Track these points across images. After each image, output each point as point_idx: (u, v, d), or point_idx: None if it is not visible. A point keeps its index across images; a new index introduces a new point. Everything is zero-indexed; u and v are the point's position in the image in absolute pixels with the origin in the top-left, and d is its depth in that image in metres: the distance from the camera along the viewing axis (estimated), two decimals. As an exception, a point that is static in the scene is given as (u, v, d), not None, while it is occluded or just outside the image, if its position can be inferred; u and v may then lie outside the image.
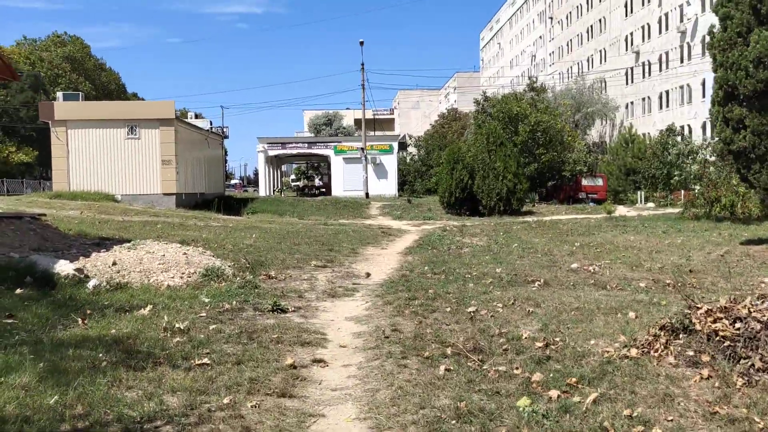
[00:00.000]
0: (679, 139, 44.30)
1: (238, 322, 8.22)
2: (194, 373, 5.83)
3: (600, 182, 42.77)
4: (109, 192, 27.50)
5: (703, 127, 49.51)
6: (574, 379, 5.63)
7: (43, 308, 8.01)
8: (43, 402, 4.91)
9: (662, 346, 6.37)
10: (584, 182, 42.12)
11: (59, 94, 32.07)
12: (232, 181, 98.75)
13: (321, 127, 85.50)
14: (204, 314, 8.53)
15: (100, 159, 27.82)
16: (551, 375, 5.84)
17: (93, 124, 27.75)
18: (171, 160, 27.56)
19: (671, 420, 4.90)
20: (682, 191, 37.33)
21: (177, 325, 7.57)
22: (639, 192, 45.93)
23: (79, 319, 7.66)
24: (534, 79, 46.26)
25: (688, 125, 51.30)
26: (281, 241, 17.61)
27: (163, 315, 8.25)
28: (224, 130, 47.99)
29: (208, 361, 6.19)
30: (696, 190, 25.52)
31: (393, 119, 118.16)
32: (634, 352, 6.39)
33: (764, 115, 13.90)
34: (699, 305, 6.71)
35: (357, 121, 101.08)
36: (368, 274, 12.74)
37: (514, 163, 31.68)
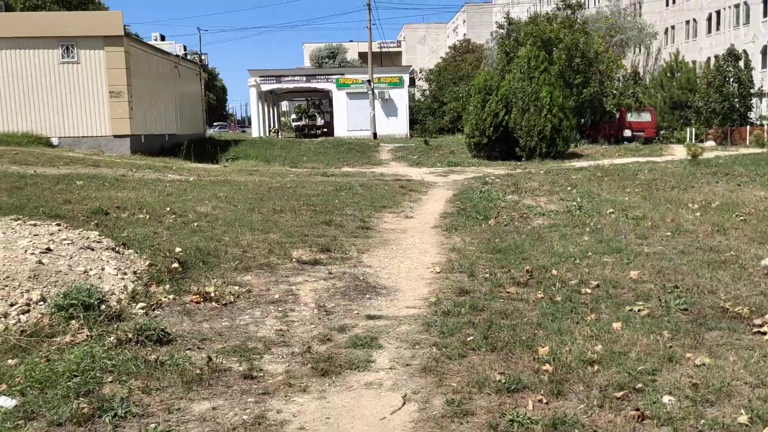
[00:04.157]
0: (741, 65, 37.57)
1: None
2: None
3: (648, 118, 36.36)
4: (43, 134, 21.26)
5: (763, 51, 42.70)
6: None
7: None
8: None
9: None
10: (629, 118, 35.74)
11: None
12: (224, 123, 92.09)
13: (323, 61, 78.39)
14: None
15: (26, 90, 21.33)
16: None
17: (13, 43, 21.03)
18: (122, 92, 21.18)
19: None
20: (766, 127, 30.98)
21: None
22: (689, 129, 39.70)
23: None
24: (569, -8, 39.19)
25: (744, 50, 44.40)
26: (255, 205, 11.81)
27: None
28: (202, 57, 40.89)
29: None
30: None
31: (400, 53, 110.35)
32: None
33: None
34: None
35: (361, 55, 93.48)
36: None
37: (560, 93, 25.42)
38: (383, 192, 14.78)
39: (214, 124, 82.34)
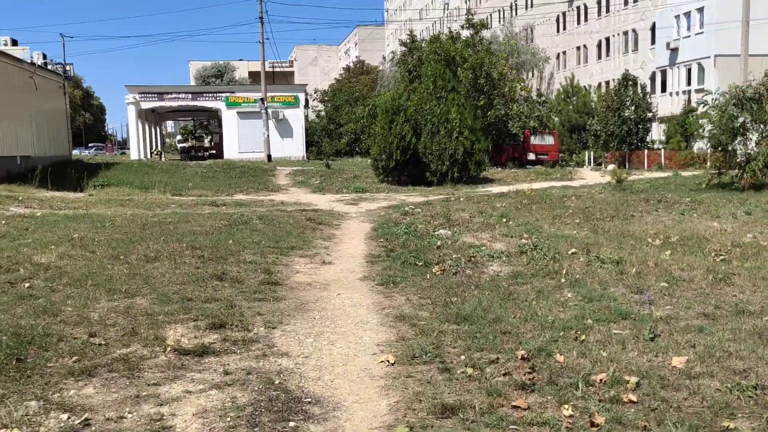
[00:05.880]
0: (639, 89, 38.12)
1: None
2: None
3: (551, 141, 36.01)
4: None
5: (652, 77, 43.90)
6: None
7: None
8: None
9: None
10: (533, 141, 35.15)
11: None
12: (101, 144, 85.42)
13: (210, 80, 74.81)
14: None
15: None
16: None
17: None
18: (-45, 105, 17.32)
19: None
20: (701, 152, 30.93)
21: None
22: (587, 152, 39.92)
23: None
24: (473, 13, 38.51)
25: (635, 76, 45.56)
26: (122, 251, 8.93)
27: None
28: (66, 67, 35.93)
29: None
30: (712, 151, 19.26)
31: (293, 73, 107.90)
32: None
33: None
34: None
35: (252, 74, 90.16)
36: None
37: (471, 114, 23.90)
38: (288, 227, 12.19)
39: (90, 145, 75.86)
